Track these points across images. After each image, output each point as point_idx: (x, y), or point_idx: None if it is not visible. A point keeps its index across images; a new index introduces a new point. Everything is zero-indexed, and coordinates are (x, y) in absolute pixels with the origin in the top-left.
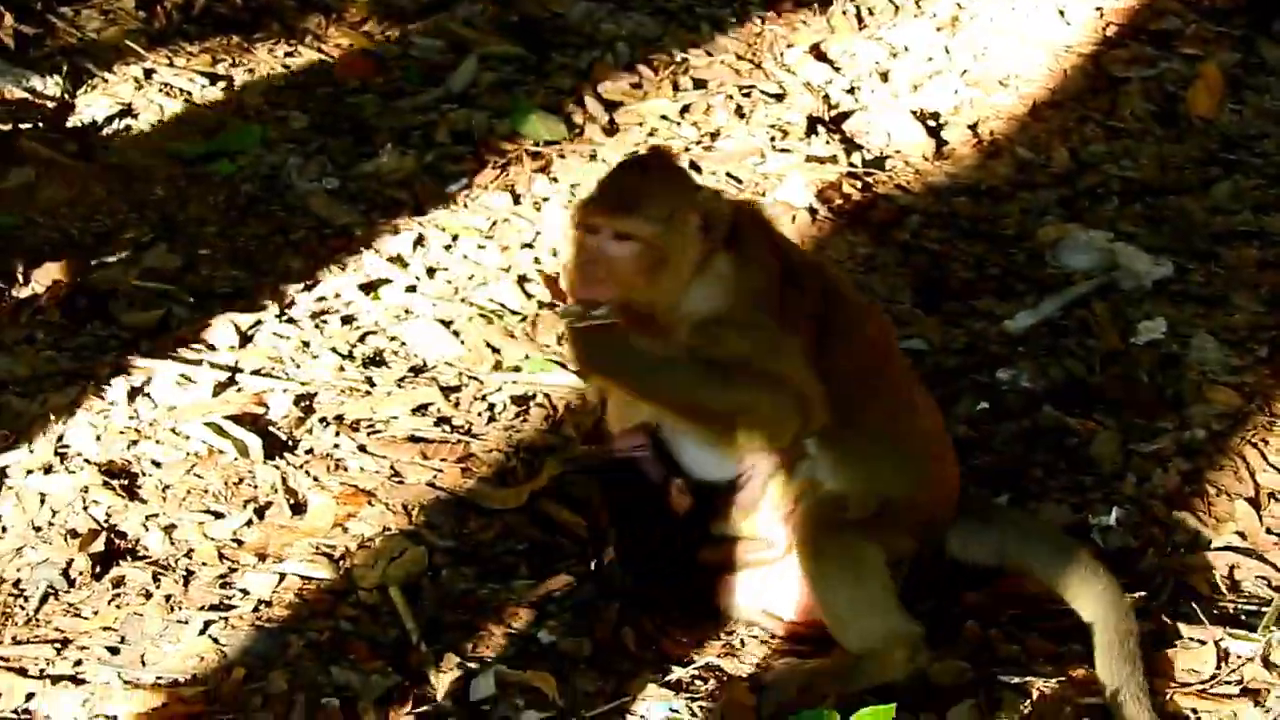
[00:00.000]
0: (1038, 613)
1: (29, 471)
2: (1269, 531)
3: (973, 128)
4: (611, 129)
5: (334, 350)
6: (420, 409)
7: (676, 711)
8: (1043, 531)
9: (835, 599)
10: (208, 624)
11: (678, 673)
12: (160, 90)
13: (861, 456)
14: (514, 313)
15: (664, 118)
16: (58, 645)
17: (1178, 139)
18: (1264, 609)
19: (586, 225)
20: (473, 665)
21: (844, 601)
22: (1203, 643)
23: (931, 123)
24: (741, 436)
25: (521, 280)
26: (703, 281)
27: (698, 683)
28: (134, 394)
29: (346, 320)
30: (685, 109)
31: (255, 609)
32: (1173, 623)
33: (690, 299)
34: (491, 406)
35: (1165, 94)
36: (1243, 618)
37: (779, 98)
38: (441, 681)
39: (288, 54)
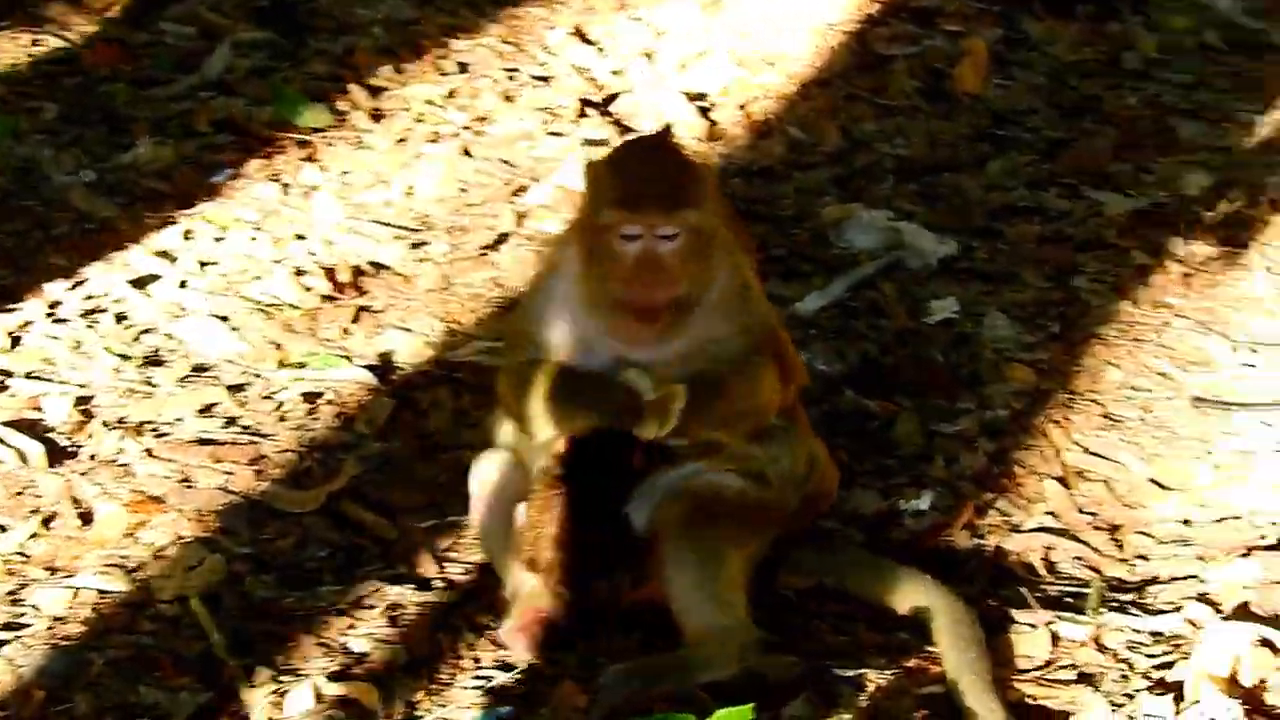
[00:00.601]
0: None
1: None
2: (1080, 511)
3: (742, 108)
4: (377, 115)
5: (109, 350)
6: (206, 409)
7: (505, 716)
8: (855, 552)
9: (689, 584)
10: (1, 643)
11: (501, 677)
12: None
13: (768, 454)
14: (292, 306)
15: (430, 102)
16: None
17: (947, 116)
18: (1085, 590)
19: (627, 228)
20: (287, 679)
21: (696, 589)
22: (1034, 627)
23: (701, 104)
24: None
25: (298, 272)
26: (719, 254)
27: (521, 686)
28: None
29: (119, 318)
30: (451, 93)
31: (49, 626)
32: (1000, 607)
33: (718, 277)
34: (280, 405)
35: (931, 71)
36: (1067, 600)
37: (545, 80)
38: (255, 697)
39: (34, 42)
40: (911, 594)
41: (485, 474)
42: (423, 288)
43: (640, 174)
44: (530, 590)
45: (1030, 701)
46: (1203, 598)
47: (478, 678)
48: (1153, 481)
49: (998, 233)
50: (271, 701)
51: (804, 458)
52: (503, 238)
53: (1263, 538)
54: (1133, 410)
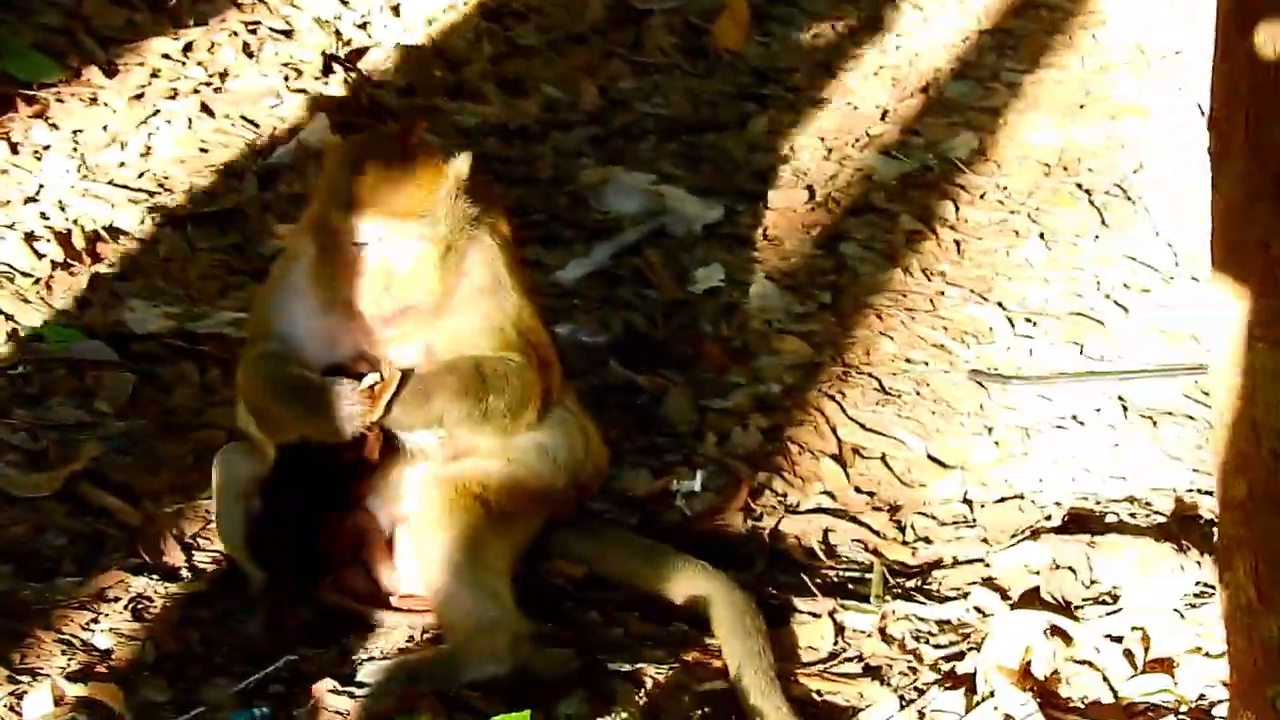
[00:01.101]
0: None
1: None
2: (858, 490)
3: (494, 63)
4: (111, 69)
5: None
6: None
7: (261, 718)
8: (625, 539)
9: (448, 576)
10: None
11: (254, 675)
12: None
13: (530, 439)
14: (24, 274)
15: (166, 56)
16: None
17: (707, 74)
18: (866, 575)
19: (357, 235)
20: (24, 679)
21: (457, 580)
22: (816, 616)
23: (449, 58)
24: (506, 422)
25: (29, 238)
26: (468, 254)
27: (278, 685)
28: None
29: None
30: (188, 47)
31: None
32: (780, 594)
33: (461, 278)
34: (12, 380)
35: (690, 27)
36: (849, 586)
37: (288, 34)
38: None
39: None
40: (688, 582)
41: (226, 465)
42: (162, 254)
43: (373, 174)
44: (272, 589)
45: (816, 697)
46: (989, 583)
47: (229, 675)
48: (931, 459)
49: (762, 196)
50: (6, 704)
51: (578, 441)
52: (247, 201)
53: (1048, 518)
54: (908, 384)
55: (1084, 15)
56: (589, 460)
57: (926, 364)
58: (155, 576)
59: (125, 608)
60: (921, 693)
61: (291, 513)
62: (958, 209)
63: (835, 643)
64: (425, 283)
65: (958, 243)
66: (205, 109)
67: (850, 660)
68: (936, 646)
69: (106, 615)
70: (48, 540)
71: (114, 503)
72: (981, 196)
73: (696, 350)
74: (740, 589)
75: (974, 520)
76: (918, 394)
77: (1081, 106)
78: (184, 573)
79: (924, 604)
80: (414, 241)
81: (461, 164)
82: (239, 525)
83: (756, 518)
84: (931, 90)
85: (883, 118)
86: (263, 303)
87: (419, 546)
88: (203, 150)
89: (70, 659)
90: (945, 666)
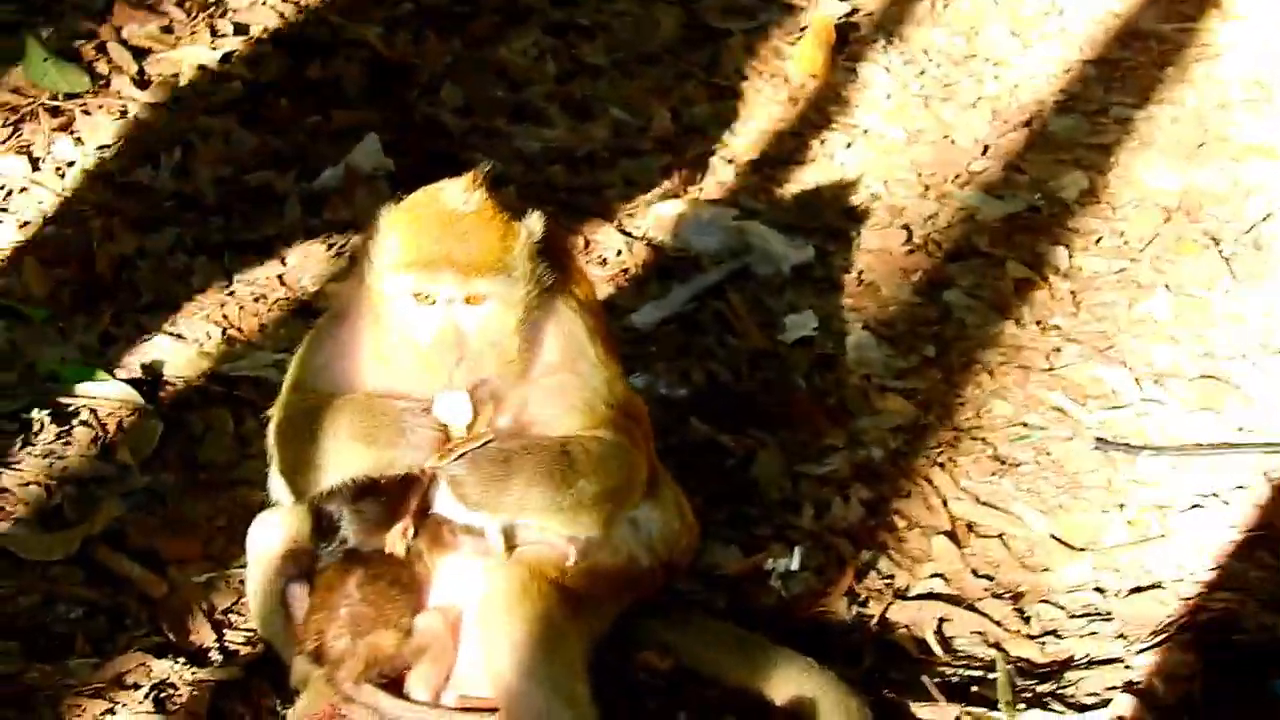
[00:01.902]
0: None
1: None
2: (975, 574)
3: (559, 83)
4: (143, 80)
5: None
6: None
7: None
8: (718, 628)
9: (518, 674)
10: None
11: None
12: None
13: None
14: (41, 303)
15: (203, 68)
16: None
17: (789, 100)
18: (990, 674)
19: (422, 298)
20: None
21: (528, 679)
22: None
23: (512, 78)
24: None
25: (48, 263)
26: (546, 323)
27: None
28: None
29: None
30: (227, 58)
31: None
32: (896, 696)
33: (540, 349)
34: (25, 426)
35: (771, 49)
36: (973, 688)
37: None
38: None
39: None
40: (792, 681)
41: (264, 537)
42: (195, 285)
43: (440, 230)
44: (319, 684)
45: None
46: (1131, 688)
47: None
48: (1056, 539)
49: (854, 235)
50: None
51: (673, 516)
52: (289, 228)
53: (1192, 612)
54: (1026, 452)
55: (1196, 47)
56: (683, 538)
57: (1045, 429)
58: (181, 660)
59: (146, 697)
60: None
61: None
62: (1071, 255)
63: None
64: (501, 353)
65: (1073, 293)
66: (244, 124)
67: None
68: None
69: (124, 705)
70: (59, 614)
71: (135, 570)
72: (1096, 242)
73: (787, 407)
74: (852, 691)
75: (1108, 613)
76: (1037, 463)
77: (1200, 146)
78: (213, 655)
79: (1061, 714)
80: (489, 305)
81: (535, 222)
82: (277, 607)
83: (862, 603)
84: (1035, 124)
85: (983, 153)
86: (305, 367)
87: (485, 638)
88: (241, 172)
89: None
90: None
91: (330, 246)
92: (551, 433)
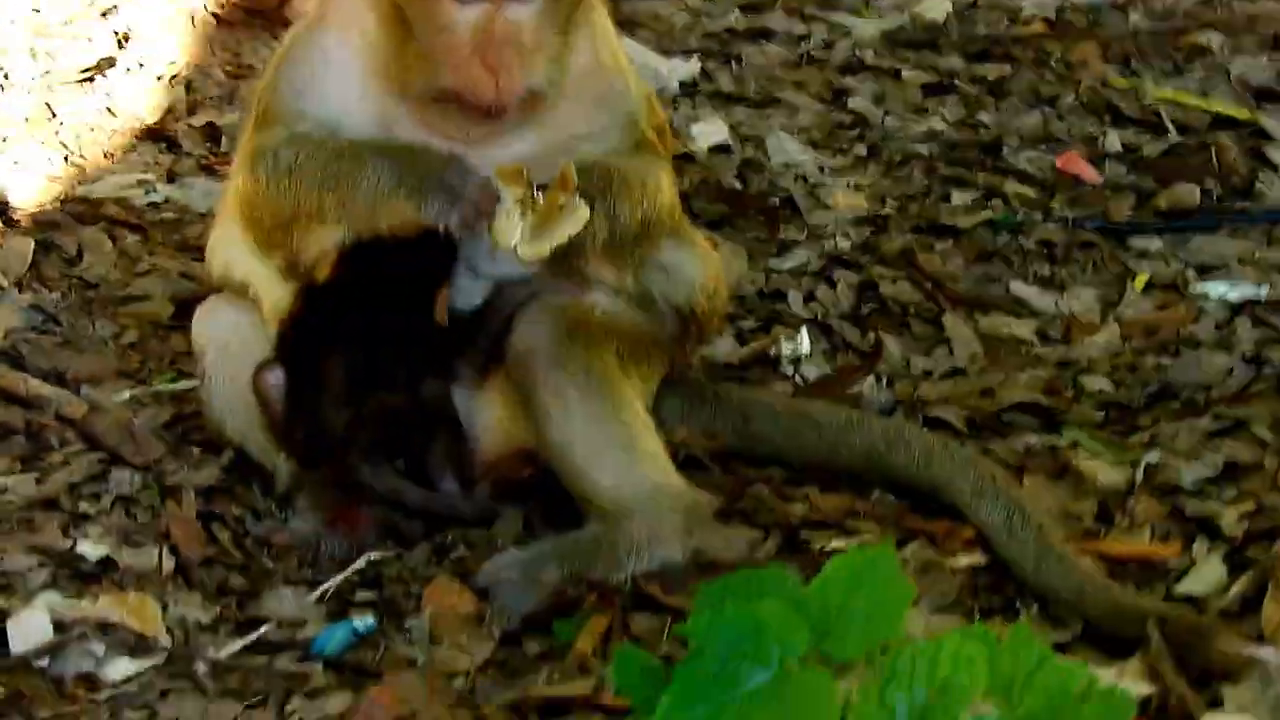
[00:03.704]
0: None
1: None
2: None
3: None
4: None
5: None
6: None
7: (365, 632)
8: (771, 403)
9: (578, 431)
10: None
11: (332, 580)
12: None
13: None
14: None
15: None
16: None
17: None
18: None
19: None
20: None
21: (591, 436)
22: None
23: None
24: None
25: None
26: (581, 24)
27: (365, 591)
28: None
29: None
30: None
31: None
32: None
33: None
34: None
35: None
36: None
37: None
38: None
39: None
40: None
41: (219, 325)
42: (22, 116)
43: None
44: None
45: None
46: None
47: (289, 584)
48: (1073, 314)
49: (737, 52)
50: None
51: (704, 258)
52: (107, 62)
53: None
54: (1004, 237)
55: None
56: (715, 286)
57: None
58: (137, 471)
59: (110, 509)
60: None
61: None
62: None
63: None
64: (551, 55)
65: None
66: None
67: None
68: None
69: (89, 518)
70: None
71: (44, 389)
72: None
73: (730, 208)
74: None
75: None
76: (1020, 245)
77: None
78: (171, 467)
79: None
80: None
81: None
82: (249, 402)
83: (888, 384)
84: None
85: None
86: (282, 82)
87: (536, 396)
88: (35, 10)
89: (52, 573)
90: None
91: (159, 78)
92: (592, 149)
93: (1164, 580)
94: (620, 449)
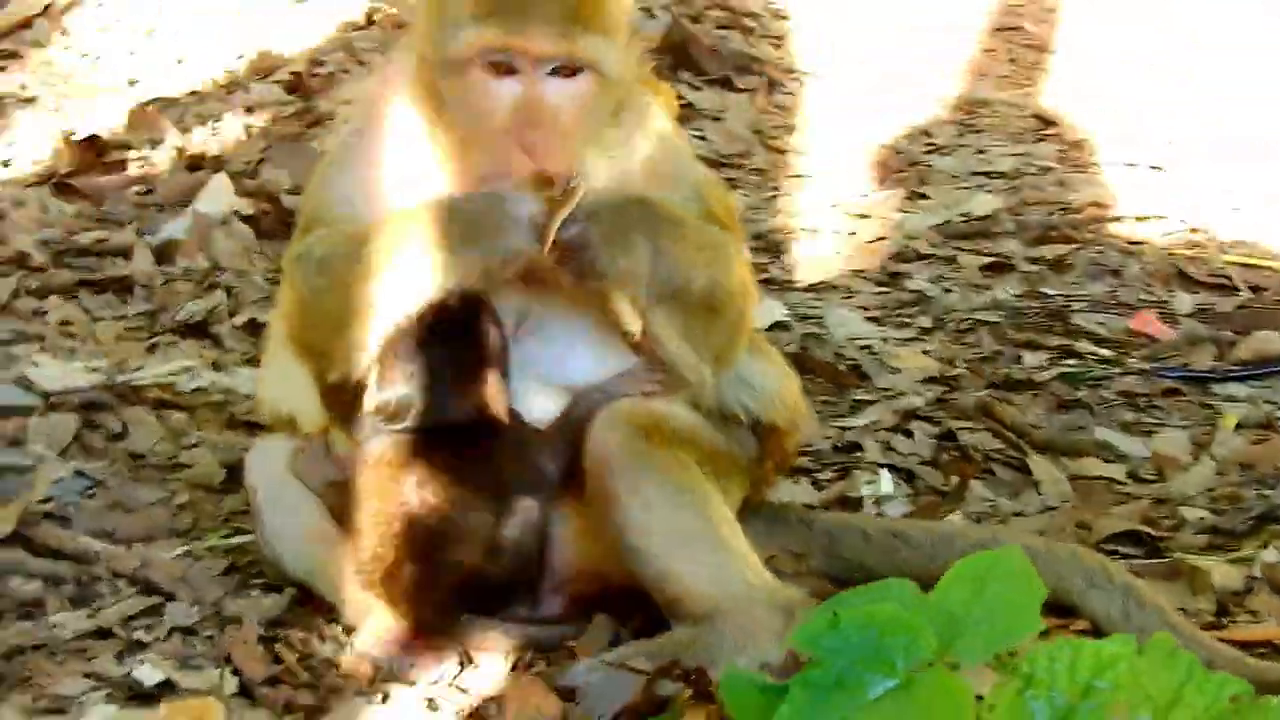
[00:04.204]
0: None
1: None
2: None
3: None
4: None
5: None
6: None
7: None
8: (860, 525)
9: (662, 532)
10: None
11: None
12: None
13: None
14: None
15: None
16: None
17: None
18: None
19: (500, 63)
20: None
21: (676, 536)
22: None
23: None
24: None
25: None
26: (635, 115)
27: (444, 701)
28: None
29: None
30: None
31: None
32: None
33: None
34: None
35: None
36: None
37: None
38: None
39: None
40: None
41: (272, 461)
42: (55, 321)
43: None
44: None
45: None
46: None
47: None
48: (1159, 454)
49: (784, 250)
50: None
51: (783, 371)
52: (143, 276)
53: None
54: (1082, 390)
55: None
56: (796, 403)
57: (1091, 369)
58: (195, 606)
59: (165, 638)
60: None
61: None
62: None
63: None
64: (598, 139)
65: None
66: (58, 194)
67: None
68: None
69: (146, 646)
70: (11, 587)
71: (94, 545)
72: None
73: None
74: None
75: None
76: (1101, 395)
77: None
78: (231, 608)
79: None
80: (585, 77)
81: None
82: (308, 537)
83: (975, 520)
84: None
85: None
86: (324, 186)
87: (614, 501)
88: (68, 234)
89: (110, 696)
90: None
91: (198, 283)
92: None
93: None
94: (707, 546)
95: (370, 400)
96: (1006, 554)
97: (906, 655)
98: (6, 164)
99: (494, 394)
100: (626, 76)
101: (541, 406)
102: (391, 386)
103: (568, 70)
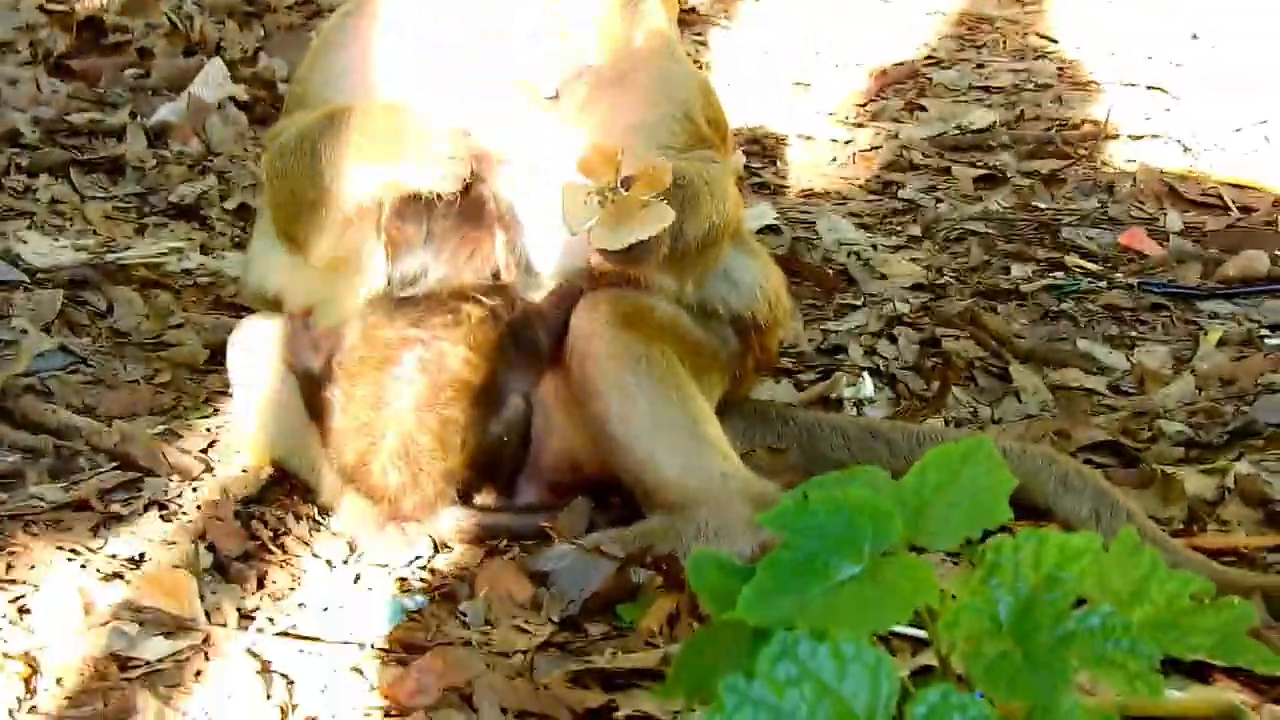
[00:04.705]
0: None
1: None
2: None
3: None
4: None
5: None
6: None
7: (416, 608)
8: (839, 423)
9: (640, 421)
10: None
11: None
12: None
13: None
14: None
15: None
16: None
17: None
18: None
19: None
20: (18, 588)
21: (653, 425)
22: None
23: None
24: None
25: None
26: (639, 11)
27: (420, 575)
28: None
29: None
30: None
31: None
32: None
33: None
34: None
35: None
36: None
37: None
38: None
39: None
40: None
41: (255, 342)
42: (46, 199)
43: None
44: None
45: None
46: None
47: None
48: (1144, 366)
49: (781, 149)
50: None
51: (769, 266)
52: (135, 157)
53: None
54: (1068, 302)
55: None
56: (780, 296)
57: (1077, 283)
58: (175, 478)
59: (142, 513)
60: None
61: None
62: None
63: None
64: (605, 33)
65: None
66: (55, 74)
67: None
68: None
69: (122, 519)
70: None
71: (76, 420)
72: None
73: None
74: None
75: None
76: (1087, 309)
77: None
78: (207, 479)
79: None
80: None
81: None
82: (287, 415)
83: (957, 425)
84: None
85: (865, 104)
86: (312, 69)
87: (594, 388)
88: (62, 114)
89: (84, 567)
90: None
91: (191, 166)
92: (647, 141)
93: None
94: (684, 437)
95: (382, 270)
96: (977, 445)
97: (874, 540)
98: (3, 45)
99: (506, 258)
100: None
101: (535, 283)
102: (406, 254)
103: None
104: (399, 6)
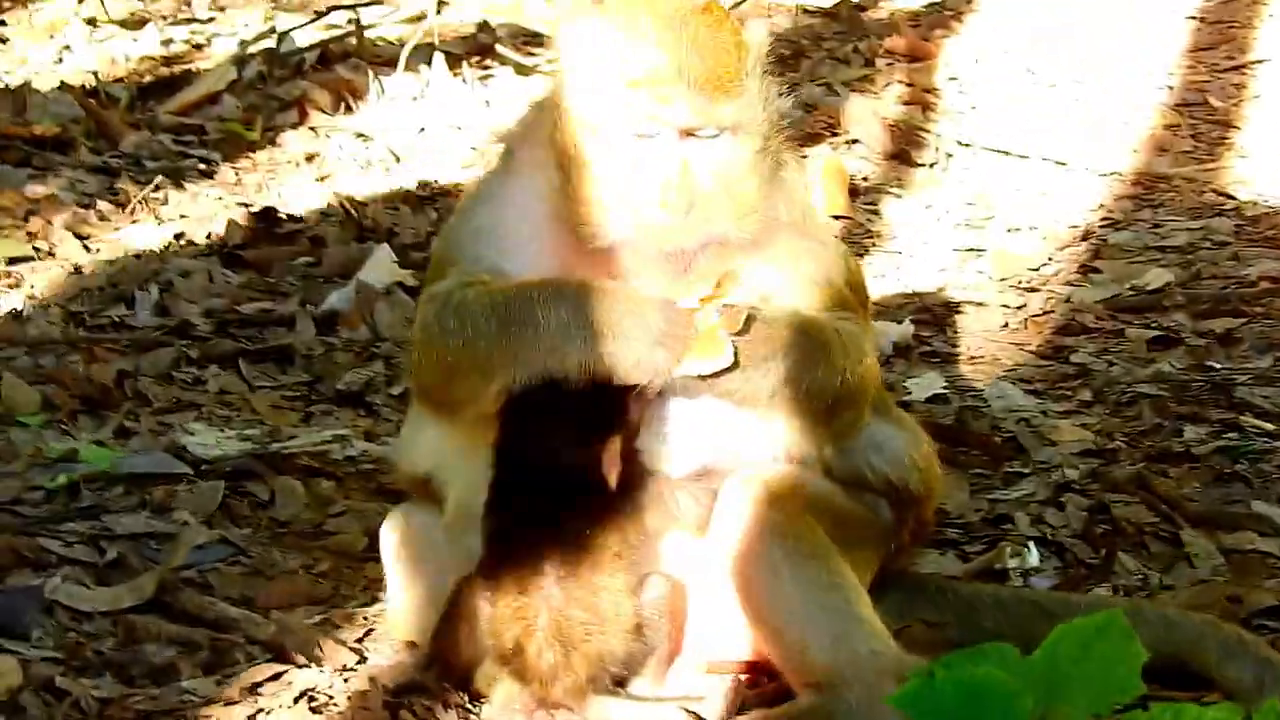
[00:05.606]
0: None
1: None
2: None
3: None
4: (89, 252)
5: None
6: None
7: None
8: (1005, 597)
9: (789, 599)
10: None
11: None
12: None
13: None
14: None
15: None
16: None
17: None
18: None
19: (642, 127)
20: None
21: (803, 602)
22: None
23: None
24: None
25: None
26: (772, 171)
27: None
28: None
29: None
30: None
31: None
32: None
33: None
34: (50, 497)
35: None
36: None
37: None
38: None
39: None
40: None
41: (407, 530)
42: (215, 389)
43: (662, 31)
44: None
45: None
46: None
47: None
48: None
49: (950, 319)
50: None
51: (915, 435)
52: (304, 345)
53: None
54: (1242, 464)
55: None
56: (930, 465)
57: (1252, 444)
58: (326, 669)
59: (293, 704)
60: None
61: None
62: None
63: None
64: (741, 201)
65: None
66: (227, 265)
67: None
68: None
69: (271, 714)
70: (147, 653)
71: (231, 611)
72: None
73: (953, 443)
74: None
75: None
76: (1260, 470)
77: None
78: (361, 669)
79: None
80: (725, 139)
81: (759, 30)
82: (441, 609)
83: (1126, 594)
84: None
85: (1048, 261)
86: (458, 231)
87: (741, 569)
88: (233, 304)
89: None
90: None
91: (358, 353)
92: (782, 301)
93: None
94: (833, 614)
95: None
96: (1109, 618)
97: (1004, 717)
98: (179, 236)
99: (610, 455)
100: (766, 127)
101: (679, 461)
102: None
103: (712, 134)
104: (542, 179)
